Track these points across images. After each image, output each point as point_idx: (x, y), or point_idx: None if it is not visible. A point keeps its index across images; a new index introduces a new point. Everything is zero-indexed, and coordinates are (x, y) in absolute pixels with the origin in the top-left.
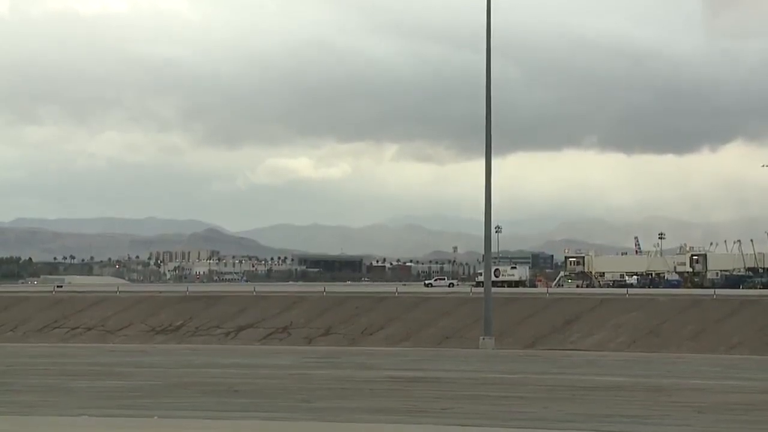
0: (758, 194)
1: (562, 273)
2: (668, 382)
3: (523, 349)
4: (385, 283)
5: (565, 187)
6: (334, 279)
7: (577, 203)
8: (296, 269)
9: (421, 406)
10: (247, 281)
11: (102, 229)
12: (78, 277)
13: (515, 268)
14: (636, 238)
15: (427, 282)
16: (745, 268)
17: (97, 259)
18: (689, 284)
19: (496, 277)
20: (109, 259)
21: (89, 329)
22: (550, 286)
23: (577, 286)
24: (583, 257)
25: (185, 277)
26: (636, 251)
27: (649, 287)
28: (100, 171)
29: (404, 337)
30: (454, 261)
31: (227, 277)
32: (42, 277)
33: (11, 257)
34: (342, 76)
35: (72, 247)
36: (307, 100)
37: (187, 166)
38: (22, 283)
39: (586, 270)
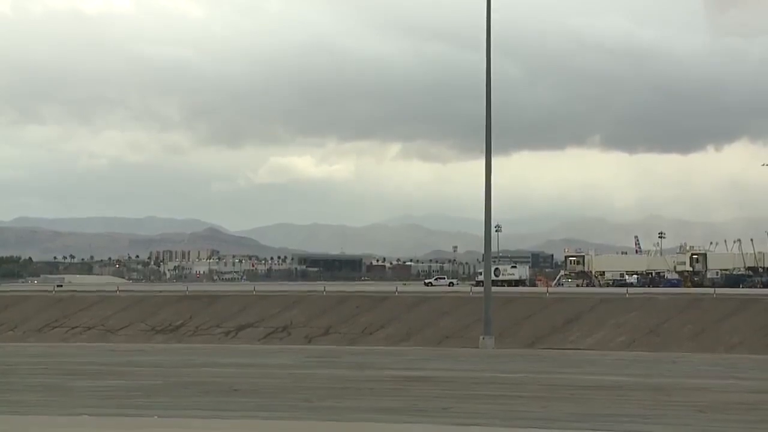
0: (759, 194)
1: (562, 272)
2: (668, 382)
3: (523, 348)
4: (385, 282)
5: (566, 187)
6: (334, 279)
7: (577, 202)
8: (296, 269)
9: (421, 405)
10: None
11: (102, 228)
12: (78, 276)
13: (515, 267)
14: (636, 237)
15: (427, 281)
16: (745, 267)
17: (97, 259)
18: (689, 284)
19: (496, 276)
20: (109, 258)
21: (89, 329)
22: (550, 286)
23: (577, 286)
24: (583, 257)
25: (185, 277)
26: (636, 251)
27: (649, 287)
28: (100, 170)
29: (404, 337)
30: (454, 260)
31: (227, 276)
32: (42, 276)
33: (11, 257)
34: (345, 76)
35: (72, 247)
36: (310, 100)
37: (189, 166)
38: (23, 282)
39: (586, 269)
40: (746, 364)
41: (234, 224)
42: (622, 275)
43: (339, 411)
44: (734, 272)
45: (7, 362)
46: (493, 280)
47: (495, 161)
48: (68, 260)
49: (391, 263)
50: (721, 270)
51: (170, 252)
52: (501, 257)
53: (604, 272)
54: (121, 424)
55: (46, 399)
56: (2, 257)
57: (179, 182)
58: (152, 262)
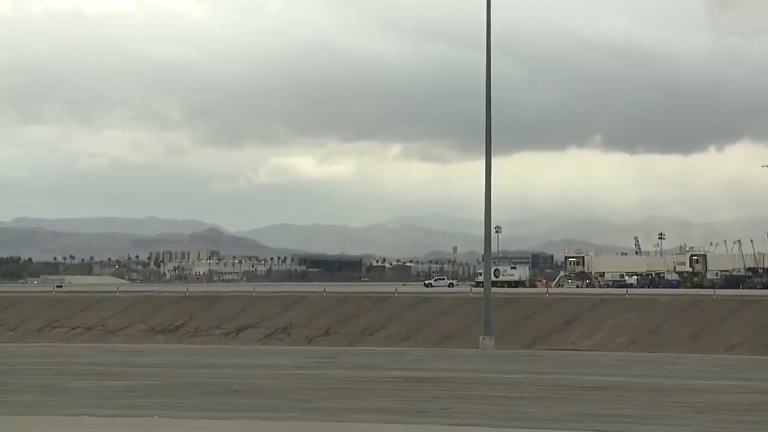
0: (760, 194)
1: (562, 273)
2: (668, 382)
3: (523, 349)
4: (385, 283)
5: (566, 187)
6: (333, 279)
7: (577, 203)
8: (296, 269)
9: (421, 406)
10: (246, 281)
11: (102, 229)
12: (78, 277)
13: (515, 268)
14: (636, 238)
15: (426, 282)
16: (745, 268)
17: (97, 259)
18: (689, 284)
19: (496, 277)
20: (109, 259)
21: (89, 329)
22: (550, 286)
23: (577, 286)
24: (583, 257)
25: (185, 278)
26: (636, 251)
27: (648, 287)
28: (100, 171)
29: (404, 337)
30: (454, 261)
31: (227, 277)
32: (42, 277)
33: (11, 257)
34: (346, 76)
35: (72, 247)
36: (310, 100)
37: (189, 166)
38: (22, 283)
39: (586, 270)
40: (746, 365)
41: (234, 225)
42: (622, 276)
43: (339, 411)
44: (734, 273)
45: (8, 363)
46: (493, 281)
47: (495, 161)
48: (68, 261)
49: (391, 264)
50: (721, 271)
51: (170, 252)
52: (501, 258)
53: (604, 273)
54: (121, 424)
55: (47, 399)
56: (2, 258)
57: (179, 182)
58: (152, 263)
